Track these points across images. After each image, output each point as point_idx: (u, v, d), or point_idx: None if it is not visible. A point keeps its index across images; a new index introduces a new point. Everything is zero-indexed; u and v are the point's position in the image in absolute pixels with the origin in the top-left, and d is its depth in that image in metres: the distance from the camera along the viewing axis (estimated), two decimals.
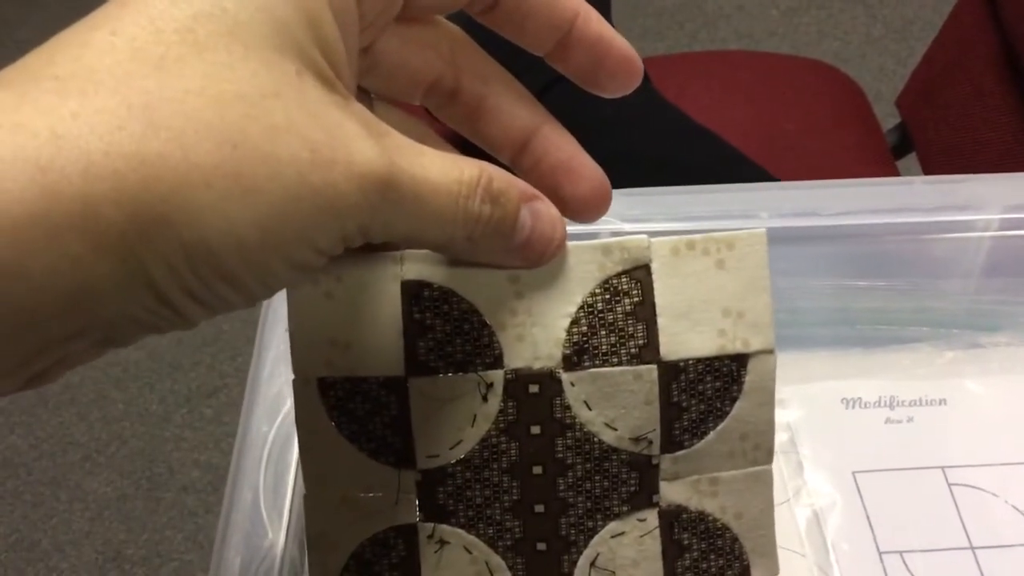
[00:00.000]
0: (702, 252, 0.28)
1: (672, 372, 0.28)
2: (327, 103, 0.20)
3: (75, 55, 0.18)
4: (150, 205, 0.18)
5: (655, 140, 0.73)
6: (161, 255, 0.18)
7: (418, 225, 0.22)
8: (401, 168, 0.21)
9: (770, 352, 0.28)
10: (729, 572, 0.29)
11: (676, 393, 0.28)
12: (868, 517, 0.39)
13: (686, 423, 0.28)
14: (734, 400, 0.28)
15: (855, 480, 0.40)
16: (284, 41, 0.20)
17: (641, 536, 0.28)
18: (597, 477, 0.28)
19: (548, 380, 0.27)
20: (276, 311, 0.42)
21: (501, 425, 0.27)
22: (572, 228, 0.42)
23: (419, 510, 0.28)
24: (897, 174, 0.85)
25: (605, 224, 0.42)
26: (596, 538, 0.28)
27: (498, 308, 0.27)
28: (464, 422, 0.27)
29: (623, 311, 0.27)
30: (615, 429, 0.27)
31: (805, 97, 0.88)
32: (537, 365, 0.27)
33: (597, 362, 0.27)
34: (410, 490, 0.28)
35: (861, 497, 0.39)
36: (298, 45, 0.20)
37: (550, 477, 0.28)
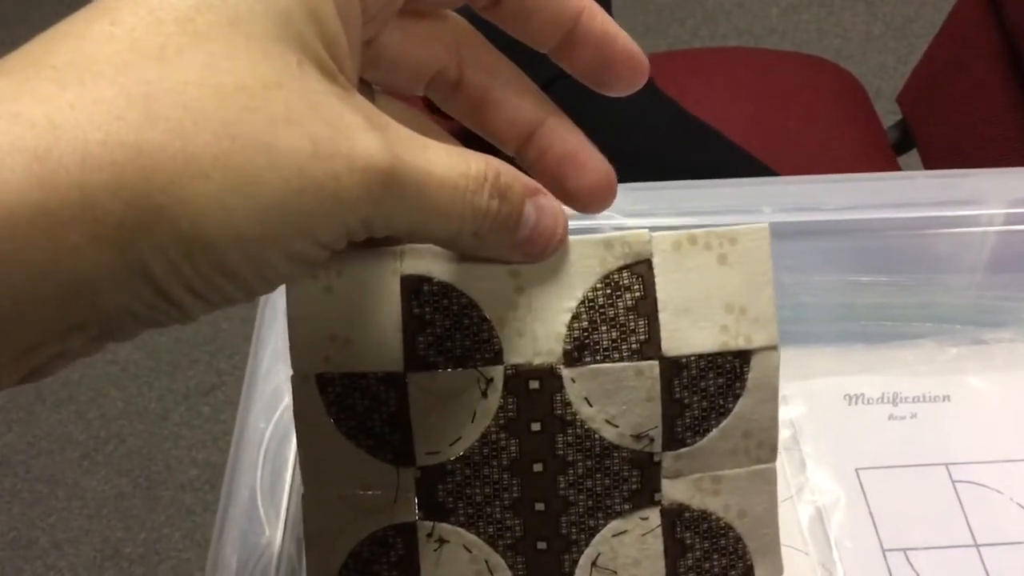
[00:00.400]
0: (704, 247, 0.27)
1: (674, 368, 0.27)
2: (329, 95, 0.20)
3: (74, 45, 0.18)
4: (148, 195, 0.17)
5: (657, 136, 0.73)
6: (159, 246, 0.18)
7: (422, 219, 0.22)
8: (405, 161, 0.21)
9: (774, 348, 0.28)
10: (732, 572, 0.29)
11: (678, 390, 0.27)
12: (871, 514, 0.39)
13: (688, 420, 0.28)
14: (737, 397, 0.28)
15: (858, 477, 0.40)
16: (285, 32, 0.20)
17: (643, 535, 0.28)
18: (598, 475, 0.27)
19: (548, 376, 0.27)
20: (274, 308, 0.41)
21: (501, 421, 0.27)
22: (574, 222, 0.42)
23: (418, 508, 0.27)
24: (898, 171, 0.85)
25: (607, 219, 0.42)
26: (597, 537, 0.28)
27: (498, 303, 0.27)
28: (464, 418, 0.27)
29: (624, 306, 0.27)
30: (616, 426, 0.27)
31: (806, 94, 0.88)
32: (537, 361, 0.27)
33: (598, 358, 0.27)
34: (409, 488, 0.27)
35: (864, 494, 0.39)
36: (300, 36, 0.20)
37: (551, 475, 0.27)
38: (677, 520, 0.28)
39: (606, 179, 0.27)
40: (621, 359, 0.27)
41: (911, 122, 0.88)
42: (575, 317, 0.27)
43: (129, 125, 0.17)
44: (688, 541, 0.28)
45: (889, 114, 0.91)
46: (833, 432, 0.41)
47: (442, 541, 0.27)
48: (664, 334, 0.27)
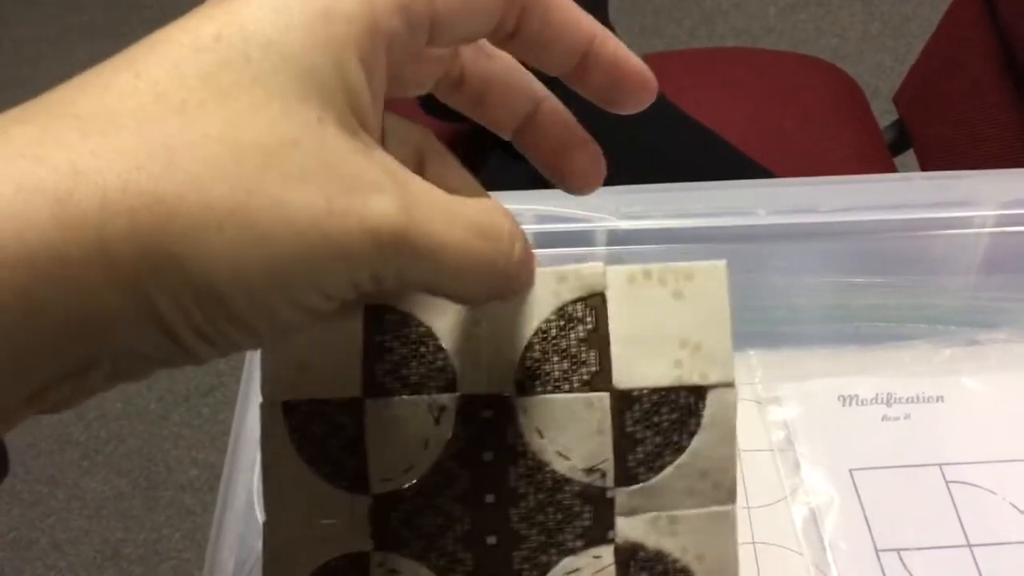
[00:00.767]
0: (659, 282, 0.27)
1: (625, 401, 0.27)
2: (347, 151, 0.20)
3: (98, 96, 0.19)
4: (163, 243, 0.18)
5: (653, 137, 0.73)
6: (171, 292, 0.18)
7: (436, 279, 0.22)
8: (420, 225, 0.21)
9: (730, 386, 0.27)
10: None
11: (630, 423, 0.27)
12: (865, 515, 0.39)
13: (641, 455, 0.27)
14: (692, 434, 0.27)
15: (852, 478, 0.40)
16: (308, 89, 0.20)
17: (596, 573, 0.27)
18: (550, 509, 0.27)
19: (501, 405, 0.27)
20: None
21: (453, 450, 0.27)
22: (573, 224, 0.42)
23: (371, 537, 0.27)
24: (894, 171, 0.85)
25: (602, 222, 0.42)
26: (550, 575, 0.27)
27: (454, 332, 0.27)
28: (417, 445, 0.27)
29: (576, 337, 0.27)
30: (568, 459, 0.27)
31: (803, 94, 0.88)
32: (490, 390, 0.27)
33: (549, 388, 0.27)
34: (363, 515, 0.27)
35: (858, 495, 0.39)
36: (322, 93, 0.20)
37: (502, 507, 0.27)
38: (631, 560, 0.27)
39: (597, 159, 0.28)
40: (572, 390, 0.27)
41: (907, 121, 0.88)
42: (528, 347, 0.27)
43: (148, 175, 0.18)
44: None
45: (887, 114, 0.91)
46: (827, 433, 0.41)
47: (394, 572, 0.27)
48: (616, 366, 0.27)
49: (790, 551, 0.38)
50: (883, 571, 0.37)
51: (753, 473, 0.40)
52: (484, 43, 0.27)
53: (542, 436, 0.27)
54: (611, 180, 0.44)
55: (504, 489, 0.27)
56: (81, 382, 0.19)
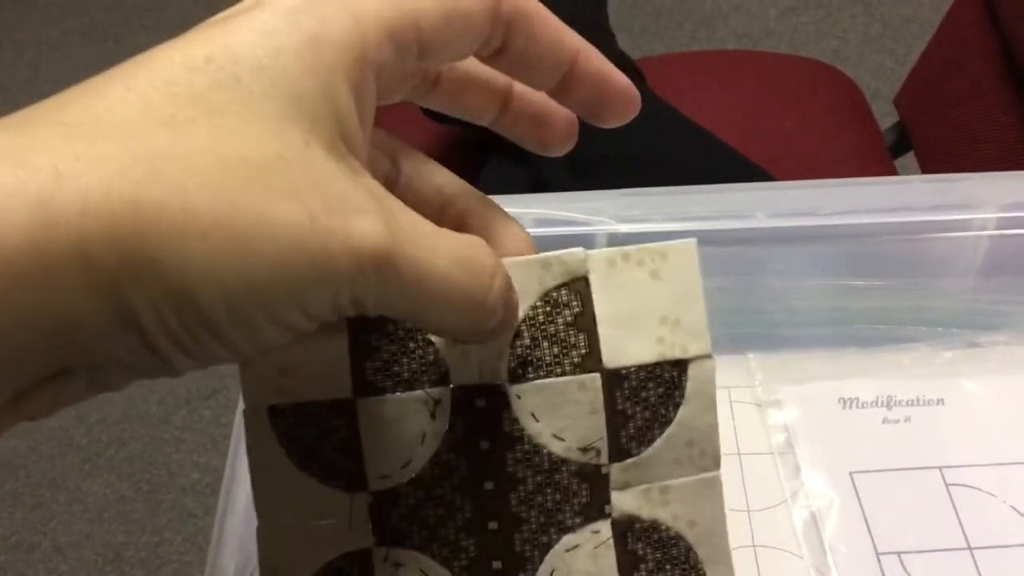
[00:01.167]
0: (637, 263, 0.28)
1: (615, 380, 0.28)
2: (334, 173, 0.20)
3: (86, 105, 0.19)
4: (142, 249, 0.18)
5: (651, 141, 0.73)
6: (148, 298, 0.18)
7: (419, 307, 0.22)
8: (404, 250, 0.21)
9: (708, 357, 0.28)
10: None
11: (620, 401, 0.28)
12: (866, 518, 0.39)
13: (632, 431, 0.28)
14: (677, 406, 0.28)
15: (852, 481, 0.40)
16: (296, 113, 0.20)
17: (595, 548, 0.28)
18: (548, 490, 0.28)
19: (494, 393, 0.27)
20: None
21: (450, 442, 0.27)
22: (572, 227, 0.42)
23: (373, 533, 0.28)
24: (895, 173, 0.85)
25: (601, 225, 0.42)
26: (551, 553, 0.28)
27: None
28: (414, 441, 0.27)
29: (564, 322, 0.28)
30: (563, 440, 0.27)
31: (803, 96, 0.88)
32: (483, 380, 0.27)
33: (541, 373, 0.27)
34: (363, 514, 0.27)
35: (859, 498, 0.39)
36: (310, 117, 0.20)
37: (502, 492, 0.27)
38: (628, 531, 0.28)
39: (571, 123, 0.29)
40: (564, 373, 0.27)
41: (908, 123, 0.88)
42: (517, 335, 0.27)
43: (131, 181, 0.18)
44: (640, 552, 0.28)
45: (888, 116, 0.91)
46: (827, 436, 0.41)
47: (398, 565, 0.28)
48: (604, 347, 0.28)
49: (790, 554, 0.38)
50: (884, 574, 0.37)
51: (753, 476, 0.40)
52: None
53: (537, 420, 0.27)
54: (610, 183, 0.44)
55: (502, 475, 0.27)
56: (58, 389, 0.19)
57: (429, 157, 0.29)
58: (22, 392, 0.19)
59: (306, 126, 0.20)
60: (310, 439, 0.27)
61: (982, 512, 0.39)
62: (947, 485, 0.40)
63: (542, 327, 0.28)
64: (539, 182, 0.72)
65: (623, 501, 0.28)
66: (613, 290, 0.28)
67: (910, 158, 0.89)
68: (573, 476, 0.28)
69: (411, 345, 0.27)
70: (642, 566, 0.28)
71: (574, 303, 0.28)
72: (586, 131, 0.29)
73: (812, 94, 0.88)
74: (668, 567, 0.29)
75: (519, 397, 0.27)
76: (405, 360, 0.27)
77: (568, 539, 0.28)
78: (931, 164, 0.84)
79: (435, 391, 0.27)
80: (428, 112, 0.76)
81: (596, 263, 0.28)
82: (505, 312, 0.24)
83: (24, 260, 0.17)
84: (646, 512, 0.28)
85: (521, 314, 0.27)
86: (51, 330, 0.18)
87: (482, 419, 0.27)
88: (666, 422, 0.28)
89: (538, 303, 0.28)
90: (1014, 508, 0.39)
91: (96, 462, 1.23)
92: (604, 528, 0.28)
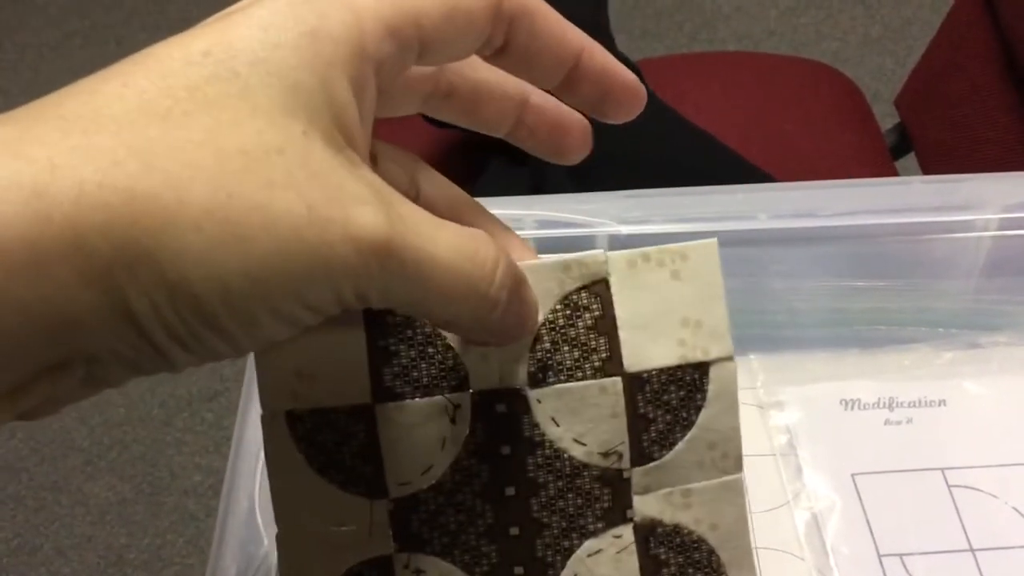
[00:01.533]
0: (657, 264, 0.28)
1: (636, 383, 0.27)
2: (332, 165, 0.20)
3: (84, 100, 0.19)
4: (137, 240, 0.18)
5: (652, 143, 0.73)
6: (144, 290, 0.18)
7: (421, 297, 0.22)
8: (405, 238, 0.21)
9: (730, 359, 0.28)
10: None
11: (642, 404, 0.28)
12: (868, 520, 0.39)
13: (654, 435, 0.28)
14: (699, 409, 0.28)
15: (854, 482, 0.40)
16: (295, 104, 0.20)
17: (618, 553, 0.28)
18: (570, 495, 0.27)
19: (514, 398, 0.27)
20: None
21: (471, 447, 0.27)
22: (572, 229, 0.42)
23: (393, 540, 0.27)
24: (896, 174, 0.85)
25: (603, 227, 0.42)
26: (573, 558, 0.28)
27: None
28: (434, 446, 0.27)
29: (584, 325, 0.27)
30: (584, 444, 0.27)
31: (804, 98, 0.88)
32: (503, 384, 0.27)
33: (562, 377, 0.27)
34: (383, 520, 0.27)
35: (860, 499, 0.39)
36: (308, 109, 0.20)
37: (523, 498, 0.27)
38: (650, 536, 0.28)
39: (585, 131, 0.29)
40: (584, 377, 0.27)
41: (908, 125, 0.88)
42: (537, 339, 0.27)
43: (126, 172, 0.18)
44: (663, 557, 0.28)
45: (888, 117, 0.91)
46: (829, 437, 0.41)
47: (419, 572, 0.27)
48: (625, 351, 0.27)
49: (792, 556, 0.38)
50: None
51: (755, 478, 0.40)
52: (469, 60, 0.27)
53: (558, 425, 0.27)
54: (611, 185, 0.44)
55: (524, 480, 0.27)
56: (55, 384, 0.19)
57: (448, 182, 0.29)
58: (19, 385, 0.19)
59: (304, 118, 0.20)
60: (329, 445, 0.27)
61: (984, 514, 0.39)
62: (949, 486, 0.40)
63: (562, 331, 0.27)
64: (539, 184, 0.72)
65: (645, 505, 0.28)
66: (633, 292, 0.28)
67: (911, 159, 0.89)
68: (595, 481, 0.27)
69: (430, 350, 0.27)
70: (664, 570, 0.28)
71: (594, 306, 0.27)
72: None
73: (813, 95, 0.88)
74: (691, 571, 0.28)
75: (539, 401, 0.27)
76: (424, 365, 0.27)
77: (590, 544, 0.28)
78: (932, 165, 0.84)
79: (455, 396, 0.27)
80: (428, 116, 0.76)
81: (616, 265, 0.28)
82: (514, 306, 0.24)
83: (19, 251, 0.17)
84: (668, 516, 0.28)
85: (541, 317, 0.27)
86: (47, 321, 0.18)
87: (502, 424, 0.27)
88: (688, 425, 0.28)
89: (558, 306, 0.27)
90: (1016, 509, 0.39)
91: (98, 464, 1.23)
92: (626, 533, 0.28)
